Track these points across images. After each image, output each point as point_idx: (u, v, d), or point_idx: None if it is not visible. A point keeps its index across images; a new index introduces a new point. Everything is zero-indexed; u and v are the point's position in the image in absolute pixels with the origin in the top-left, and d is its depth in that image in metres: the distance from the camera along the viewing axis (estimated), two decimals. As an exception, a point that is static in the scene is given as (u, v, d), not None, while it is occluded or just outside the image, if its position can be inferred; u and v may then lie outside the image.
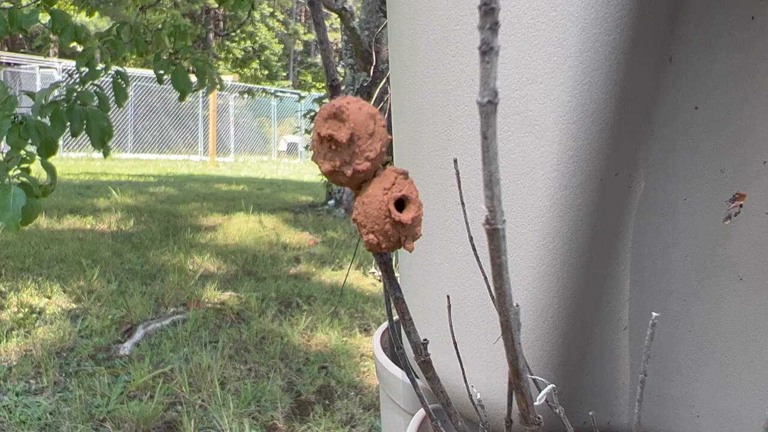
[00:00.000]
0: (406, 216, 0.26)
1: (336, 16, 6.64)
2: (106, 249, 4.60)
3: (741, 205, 0.53)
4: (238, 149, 18.72)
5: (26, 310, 3.21)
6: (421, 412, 0.68)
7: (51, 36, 3.34)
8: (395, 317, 0.42)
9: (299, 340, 3.08)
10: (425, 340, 0.29)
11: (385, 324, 0.99)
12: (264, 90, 18.20)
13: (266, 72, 29.61)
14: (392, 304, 0.30)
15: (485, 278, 0.39)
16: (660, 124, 0.54)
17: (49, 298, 3.43)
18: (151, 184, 9.49)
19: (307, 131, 9.20)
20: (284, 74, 31.31)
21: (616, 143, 0.52)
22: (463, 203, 0.37)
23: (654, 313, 0.30)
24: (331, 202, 7.71)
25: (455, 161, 0.35)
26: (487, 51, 0.23)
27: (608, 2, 0.48)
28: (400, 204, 0.27)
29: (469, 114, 0.58)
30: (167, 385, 2.48)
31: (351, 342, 3.09)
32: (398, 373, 0.82)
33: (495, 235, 0.25)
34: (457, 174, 0.36)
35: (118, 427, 2.15)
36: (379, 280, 4.24)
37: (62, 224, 5.49)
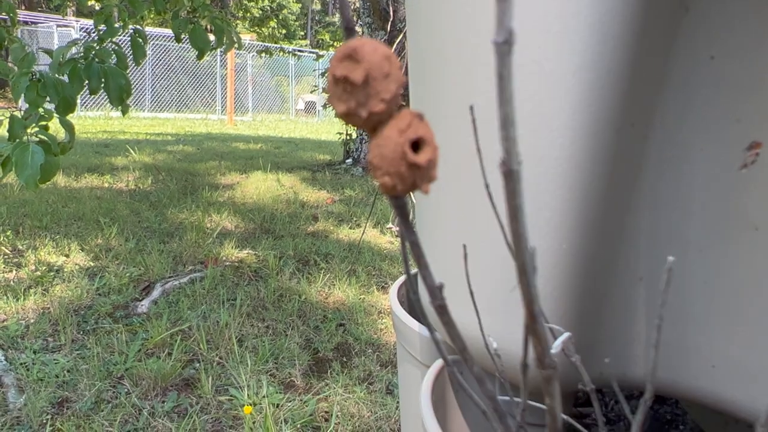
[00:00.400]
0: (421, 158, 0.26)
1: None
2: (124, 207, 4.64)
3: (757, 154, 0.52)
4: (256, 108, 18.73)
5: (44, 268, 3.24)
6: (438, 363, 0.68)
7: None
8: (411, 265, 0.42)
9: (317, 297, 3.11)
10: (441, 283, 0.29)
11: (402, 278, 1.00)
12: (282, 49, 18.11)
13: (284, 31, 29.43)
14: (408, 249, 0.30)
15: (501, 225, 0.39)
16: (676, 73, 0.53)
17: (67, 256, 3.46)
18: (169, 142, 9.52)
19: (324, 90, 9.17)
20: (302, 33, 31.12)
21: (632, 93, 0.51)
22: (479, 150, 0.36)
23: (670, 258, 0.30)
24: (349, 160, 7.71)
25: (471, 108, 0.35)
26: (505, -13, 0.22)
27: None
28: (416, 146, 0.27)
29: (487, 64, 0.57)
30: (185, 342, 2.51)
31: (368, 299, 3.11)
32: (415, 325, 0.83)
33: (511, 176, 0.25)
34: (473, 122, 0.35)
35: (135, 385, 2.18)
36: (396, 236, 4.24)
37: (80, 182, 5.54)
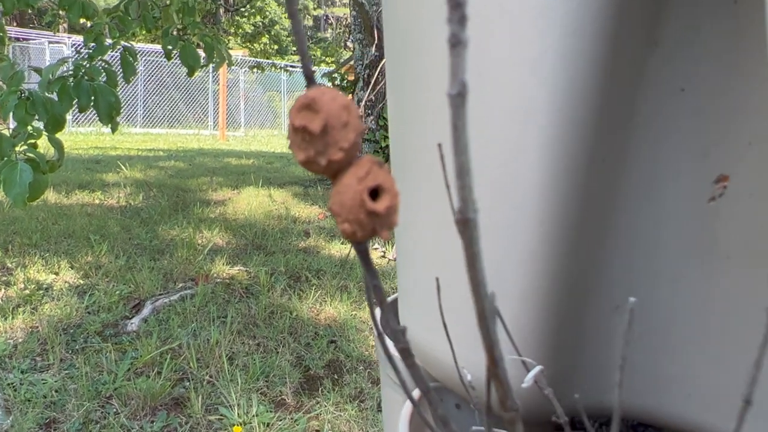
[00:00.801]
0: (380, 205, 0.26)
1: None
2: (115, 224, 4.63)
3: (725, 186, 0.53)
4: (249, 123, 18.75)
5: (33, 286, 3.22)
6: (416, 394, 0.68)
7: (60, 12, 3.35)
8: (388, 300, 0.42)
9: (308, 314, 3.10)
10: (403, 326, 0.30)
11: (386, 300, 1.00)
12: (274, 64, 18.16)
13: (276, 47, 29.54)
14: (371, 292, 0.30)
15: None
16: (646, 107, 0.54)
17: (57, 274, 3.45)
18: (160, 158, 9.51)
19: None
20: (294, 49, 31.19)
21: (602, 128, 0.52)
22: (448, 187, 0.37)
23: (631, 299, 0.30)
24: (341, 176, 7.69)
25: (439, 146, 0.35)
26: (456, 44, 0.23)
27: None
28: (376, 193, 0.27)
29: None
30: (175, 361, 2.50)
31: (360, 316, 3.11)
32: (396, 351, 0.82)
33: (467, 225, 0.25)
34: (442, 158, 0.36)
35: (124, 404, 2.17)
36: (382, 256, 4.24)
37: (71, 199, 5.52)
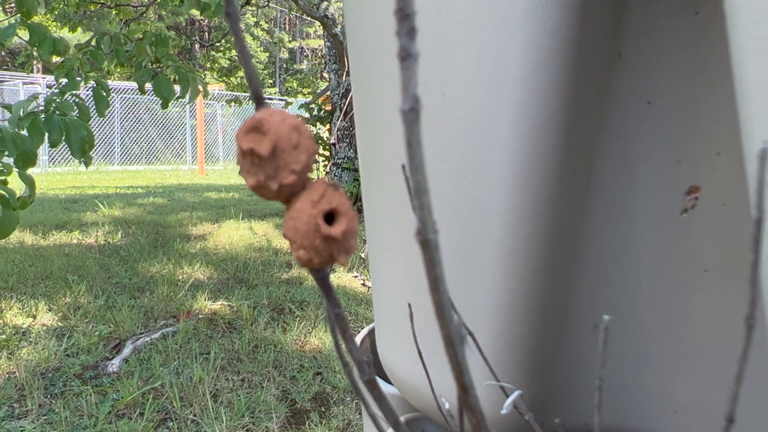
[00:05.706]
0: (336, 230, 0.25)
1: (319, 23, 6.68)
2: (93, 263, 4.56)
3: (696, 198, 0.52)
4: (227, 157, 18.73)
5: (9, 330, 3.14)
6: (402, 420, 0.66)
7: (33, 52, 3.33)
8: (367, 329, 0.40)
9: (293, 346, 3.06)
10: (368, 357, 0.28)
11: (365, 330, 0.98)
12: (251, 98, 18.19)
13: (252, 79, 29.58)
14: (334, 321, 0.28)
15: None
16: (614, 119, 0.54)
17: (34, 317, 3.37)
18: (139, 195, 9.44)
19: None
20: (271, 81, 31.36)
21: (571, 141, 0.51)
22: (414, 210, 0.35)
23: (605, 316, 0.29)
24: (321, 206, 7.67)
25: (403, 167, 0.34)
26: (406, 57, 0.21)
27: (552, 3, 0.47)
28: (331, 217, 0.26)
29: (430, 113, 0.56)
30: (157, 401, 2.45)
31: (344, 346, 3.07)
32: (378, 381, 0.81)
33: (427, 245, 0.24)
34: (407, 180, 0.34)
35: (107, 447, 2.12)
36: (363, 284, 4.21)
37: (47, 240, 5.44)
